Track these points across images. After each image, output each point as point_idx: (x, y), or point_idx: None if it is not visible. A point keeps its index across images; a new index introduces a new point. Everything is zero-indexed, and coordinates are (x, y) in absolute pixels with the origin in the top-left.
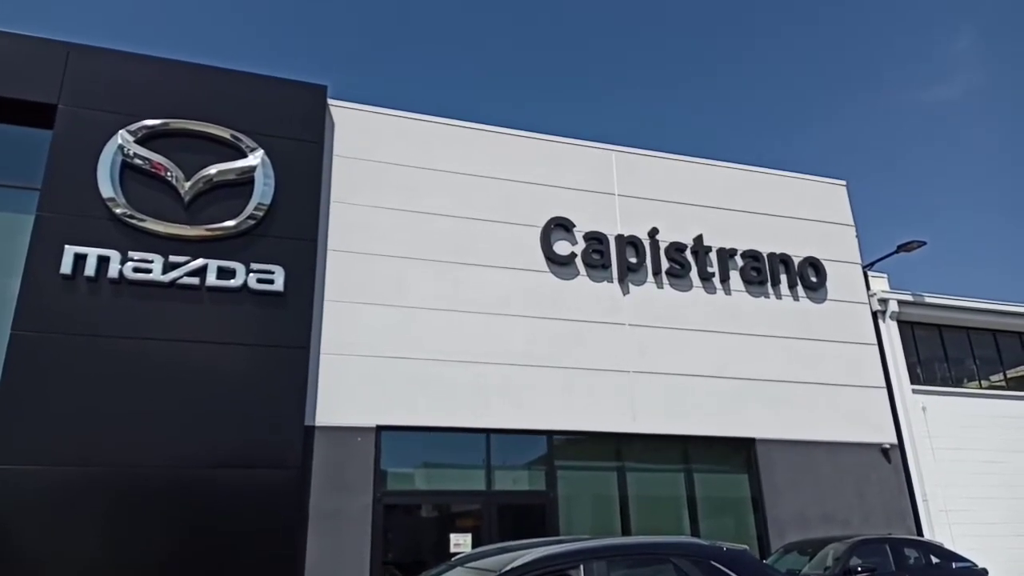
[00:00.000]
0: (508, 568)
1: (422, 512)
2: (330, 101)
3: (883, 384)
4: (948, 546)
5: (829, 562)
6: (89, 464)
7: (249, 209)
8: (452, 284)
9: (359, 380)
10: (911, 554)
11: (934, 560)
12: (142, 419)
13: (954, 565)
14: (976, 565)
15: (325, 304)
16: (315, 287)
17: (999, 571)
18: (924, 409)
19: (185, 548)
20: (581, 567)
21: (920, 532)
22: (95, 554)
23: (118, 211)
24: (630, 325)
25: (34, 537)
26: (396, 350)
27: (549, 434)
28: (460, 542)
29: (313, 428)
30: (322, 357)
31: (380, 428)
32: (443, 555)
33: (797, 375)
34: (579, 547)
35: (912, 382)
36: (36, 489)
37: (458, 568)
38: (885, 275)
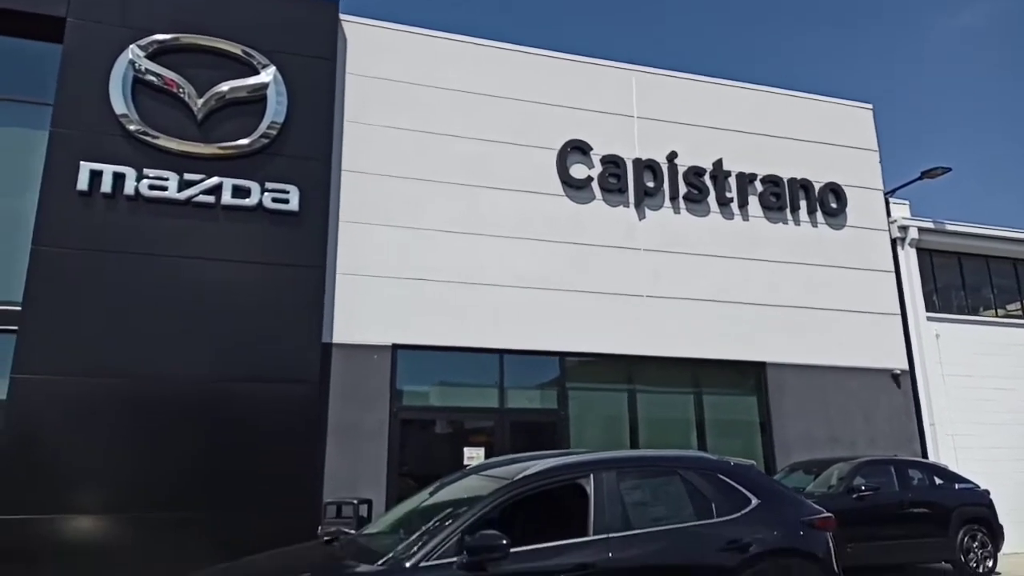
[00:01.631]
0: (522, 475)
1: (437, 427)
2: (342, 16)
3: (898, 311)
4: (952, 469)
5: (833, 481)
6: (111, 375)
7: (262, 127)
8: (467, 207)
9: (375, 300)
10: (915, 475)
11: (937, 481)
12: (163, 333)
13: (957, 486)
14: (979, 487)
15: (340, 225)
16: (330, 207)
17: (1003, 493)
18: (937, 336)
19: (206, 458)
20: (591, 476)
21: (925, 456)
22: (117, 464)
23: (132, 128)
24: (645, 250)
25: (57, 447)
26: (411, 271)
27: (562, 356)
28: (473, 455)
29: (330, 345)
30: (338, 277)
31: (396, 347)
32: (457, 467)
33: (812, 301)
34: (590, 458)
35: (927, 310)
36: (60, 399)
37: (473, 475)
38: (907, 202)
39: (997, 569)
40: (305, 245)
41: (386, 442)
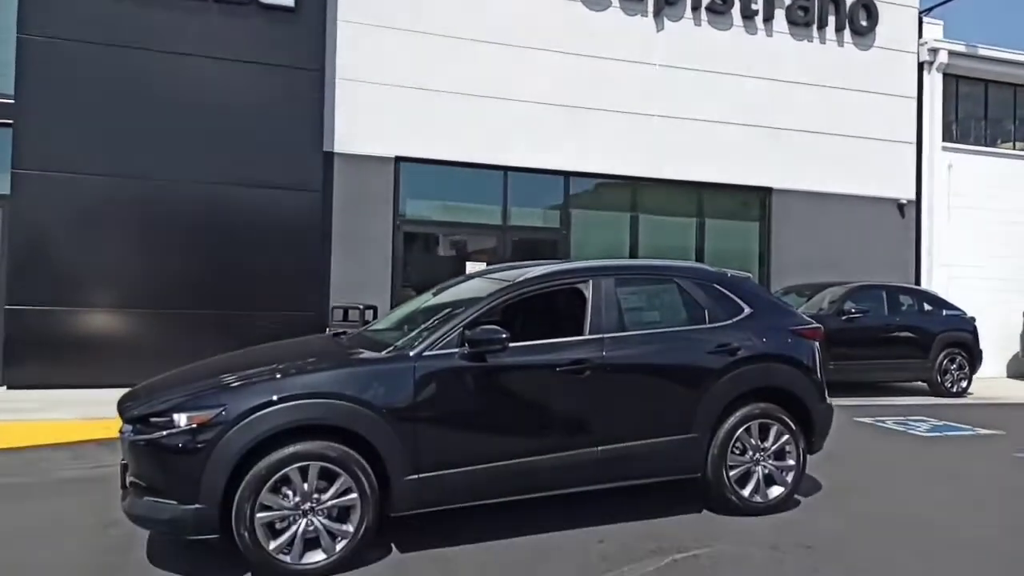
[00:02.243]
0: (523, 278)
1: (440, 241)
2: None
3: (913, 140)
4: (943, 296)
5: (825, 304)
6: (112, 174)
7: None
8: (474, 12)
9: (377, 108)
10: (905, 301)
11: (927, 307)
12: (160, 133)
13: (944, 312)
14: (966, 314)
15: (339, 25)
16: (327, 4)
17: (994, 323)
18: (950, 167)
19: (213, 260)
20: (590, 282)
21: (918, 283)
22: (124, 262)
23: None
24: (660, 66)
25: (63, 243)
26: (414, 80)
27: (567, 175)
28: (475, 269)
29: (332, 154)
30: (338, 83)
31: (399, 159)
32: None
33: (826, 126)
34: (590, 264)
35: (944, 139)
36: (61, 195)
37: (476, 279)
38: (941, 22)
39: (970, 390)
40: (302, 45)
41: (390, 253)
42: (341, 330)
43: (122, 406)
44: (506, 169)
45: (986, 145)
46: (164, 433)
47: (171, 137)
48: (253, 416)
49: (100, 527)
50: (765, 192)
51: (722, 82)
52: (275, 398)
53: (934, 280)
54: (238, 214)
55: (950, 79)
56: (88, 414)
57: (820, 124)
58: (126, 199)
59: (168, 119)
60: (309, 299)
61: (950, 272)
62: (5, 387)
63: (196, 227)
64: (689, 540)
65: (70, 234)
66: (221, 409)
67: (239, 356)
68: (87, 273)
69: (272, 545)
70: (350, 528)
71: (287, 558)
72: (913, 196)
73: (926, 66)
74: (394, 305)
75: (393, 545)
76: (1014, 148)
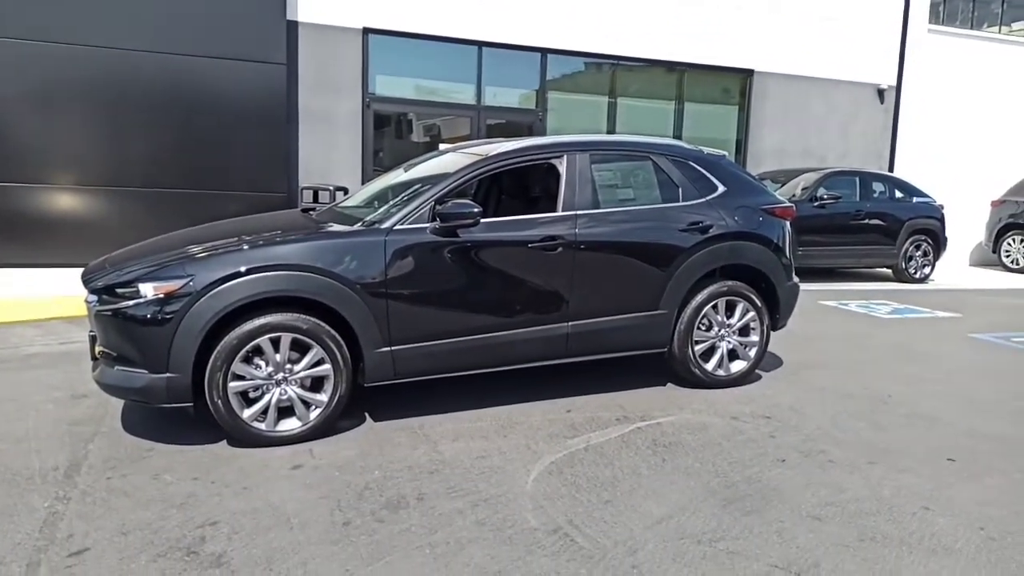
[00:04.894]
0: (497, 152)
1: (412, 122)
2: None
3: (900, 20)
4: (918, 185)
5: (798, 191)
6: (68, 42)
7: None
8: None
9: None
10: (877, 187)
11: (898, 194)
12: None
13: (914, 199)
14: (935, 201)
15: None
16: None
17: (965, 212)
18: (934, 51)
19: (176, 138)
20: (564, 157)
21: (892, 171)
22: (83, 137)
23: None
24: None
25: (19, 114)
26: None
27: (544, 52)
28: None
29: (296, 23)
30: None
31: (367, 31)
32: None
33: (810, 3)
34: (565, 139)
35: (930, 20)
36: (15, 63)
37: (449, 153)
38: None
39: (932, 277)
40: None
41: (360, 133)
42: (311, 206)
43: (86, 276)
44: (481, 44)
45: (972, 28)
46: (131, 303)
47: (126, 3)
48: (221, 287)
49: (71, 399)
50: (746, 75)
51: None
52: (243, 269)
53: (909, 168)
54: (199, 87)
55: None
56: (53, 292)
57: (803, 4)
58: (79, 69)
59: None
60: (276, 180)
61: (925, 159)
62: None
63: (155, 100)
64: (654, 410)
65: (20, 105)
66: (188, 279)
67: (205, 228)
68: (42, 148)
69: (246, 413)
70: (324, 398)
71: (262, 425)
72: (894, 81)
73: None
74: None
75: (367, 414)
76: (999, 32)
